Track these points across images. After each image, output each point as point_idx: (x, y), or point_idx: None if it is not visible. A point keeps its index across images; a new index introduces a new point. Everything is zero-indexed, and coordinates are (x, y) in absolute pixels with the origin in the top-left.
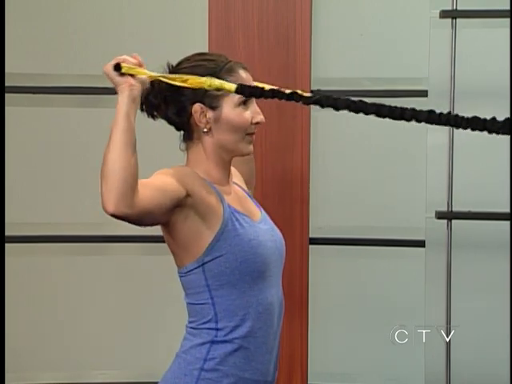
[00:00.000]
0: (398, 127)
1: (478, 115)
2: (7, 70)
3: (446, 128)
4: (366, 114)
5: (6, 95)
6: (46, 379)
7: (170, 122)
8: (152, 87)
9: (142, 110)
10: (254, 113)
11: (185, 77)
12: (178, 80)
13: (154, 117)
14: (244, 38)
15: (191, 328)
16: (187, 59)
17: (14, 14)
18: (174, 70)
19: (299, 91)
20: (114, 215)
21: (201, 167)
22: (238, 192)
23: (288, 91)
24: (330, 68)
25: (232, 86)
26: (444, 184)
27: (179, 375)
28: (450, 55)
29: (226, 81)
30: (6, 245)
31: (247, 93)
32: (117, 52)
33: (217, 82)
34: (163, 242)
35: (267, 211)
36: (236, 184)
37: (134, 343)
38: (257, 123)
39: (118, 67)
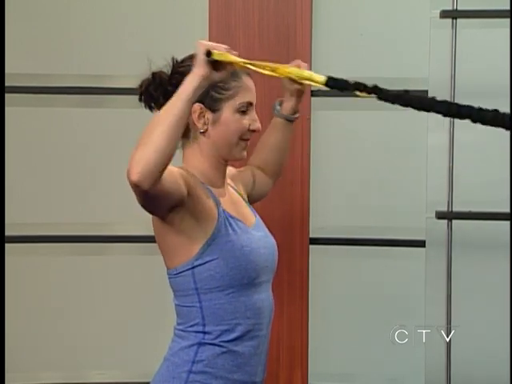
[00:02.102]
0: (399, 127)
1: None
2: (8, 70)
3: (447, 128)
4: (429, 111)
5: (7, 95)
6: (45, 379)
7: None
8: (153, 79)
9: (140, 100)
10: (251, 120)
11: (274, 65)
12: (267, 68)
13: (151, 108)
14: (244, 37)
15: (179, 330)
16: (191, 57)
17: (14, 14)
18: (178, 65)
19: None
20: (134, 185)
21: (196, 167)
22: (232, 195)
23: (370, 85)
24: (330, 68)
25: (321, 78)
26: (444, 184)
27: (168, 378)
28: (450, 55)
29: (230, 85)
30: (7, 245)
31: (334, 85)
32: (117, 52)
33: (306, 74)
34: None
35: (267, 211)
36: (230, 186)
37: (134, 343)
38: (253, 131)
39: (209, 54)
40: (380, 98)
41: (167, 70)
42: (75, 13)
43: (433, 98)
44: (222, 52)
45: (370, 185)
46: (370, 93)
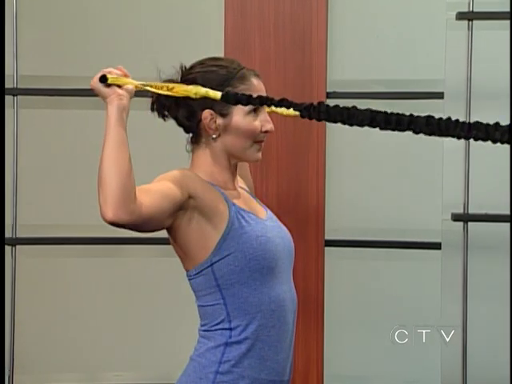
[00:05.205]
0: None
1: (492, 117)
2: (21, 72)
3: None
4: (361, 124)
5: (21, 97)
6: (59, 381)
7: (180, 124)
8: None
9: (152, 110)
10: (263, 121)
11: (171, 85)
12: (164, 89)
13: (164, 117)
14: (260, 40)
15: (204, 331)
16: (200, 63)
17: (28, 17)
18: (187, 72)
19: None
20: (113, 223)
21: (205, 170)
22: (243, 194)
23: (277, 98)
24: (346, 70)
25: (217, 94)
26: (460, 186)
27: (195, 379)
28: (466, 57)
29: (238, 89)
30: (19, 246)
31: (233, 100)
32: (131, 54)
33: (202, 91)
34: None
35: (282, 213)
36: (240, 187)
37: (149, 345)
38: (266, 131)
39: (103, 79)
40: (295, 110)
41: (177, 77)
42: (88, 15)
43: (354, 107)
44: (115, 77)
45: (386, 187)
46: (278, 106)
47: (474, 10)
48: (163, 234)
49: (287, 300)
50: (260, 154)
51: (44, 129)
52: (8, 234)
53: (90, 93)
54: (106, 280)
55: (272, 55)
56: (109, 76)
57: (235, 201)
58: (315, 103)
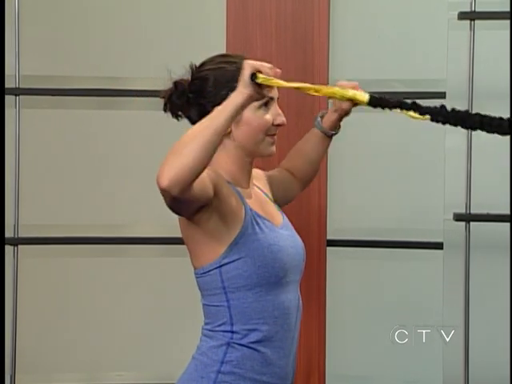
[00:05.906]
0: (416, 129)
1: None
2: (24, 72)
3: (465, 130)
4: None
5: (23, 97)
6: (61, 380)
7: (193, 123)
8: (175, 88)
9: (165, 110)
10: (274, 114)
11: (317, 87)
12: (311, 90)
13: (177, 117)
14: (262, 40)
15: (207, 330)
16: (210, 60)
17: (30, 16)
18: (198, 70)
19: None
20: (163, 190)
21: (224, 168)
22: (259, 195)
23: (409, 101)
24: (348, 70)
25: (364, 97)
26: (462, 186)
27: (196, 377)
28: (468, 57)
29: None
30: (21, 246)
31: (377, 104)
32: (134, 53)
33: (350, 93)
34: (181, 243)
35: (284, 213)
36: (257, 187)
37: (150, 344)
38: (278, 125)
39: (253, 75)
40: (421, 114)
41: (187, 77)
42: (89, 15)
43: (467, 111)
44: (266, 77)
45: (388, 186)
46: (409, 110)
47: (476, 9)
48: (164, 234)
49: (291, 308)
50: (274, 148)
51: (46, 129)
52: (10, 233)
53: (92, 93)
54: (107, 280)
55: (274, 55)
56: (260, 76)
57: (248, 200)
58: (438, 106)
